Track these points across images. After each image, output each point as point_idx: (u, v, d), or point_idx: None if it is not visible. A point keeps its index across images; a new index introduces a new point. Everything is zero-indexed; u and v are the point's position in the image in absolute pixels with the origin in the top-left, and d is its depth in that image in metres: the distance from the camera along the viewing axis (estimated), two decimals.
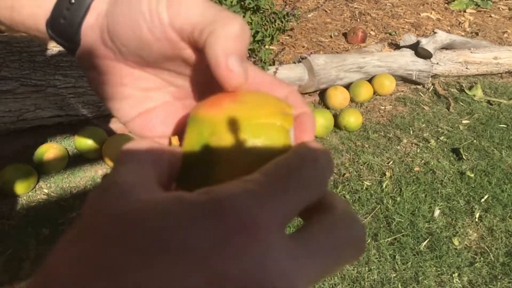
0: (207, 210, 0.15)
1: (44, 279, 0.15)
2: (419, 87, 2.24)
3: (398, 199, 1.51)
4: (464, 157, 1.73)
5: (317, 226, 0.18)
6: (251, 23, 2.04)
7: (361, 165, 1.67)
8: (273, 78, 0.24)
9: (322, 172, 0.19)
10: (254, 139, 0.20)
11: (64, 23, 0.25)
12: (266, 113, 0.21)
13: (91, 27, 0.25)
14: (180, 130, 0.25)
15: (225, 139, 0.20)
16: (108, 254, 0.14)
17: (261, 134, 0.21)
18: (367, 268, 1.26)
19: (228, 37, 0.20)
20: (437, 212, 1.46)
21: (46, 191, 1.43)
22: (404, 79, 2.23)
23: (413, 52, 2.19)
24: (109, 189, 0.17)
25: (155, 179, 0.19)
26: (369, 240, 1.35)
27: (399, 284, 1.23)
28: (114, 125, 1.67)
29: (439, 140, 1.85)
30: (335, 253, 0.18)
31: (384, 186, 1.56)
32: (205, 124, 0.21)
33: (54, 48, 1.53)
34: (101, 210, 0.16)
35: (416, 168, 1.67)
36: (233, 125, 0.20)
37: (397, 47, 2.38)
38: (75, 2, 0.25)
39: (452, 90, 2.24)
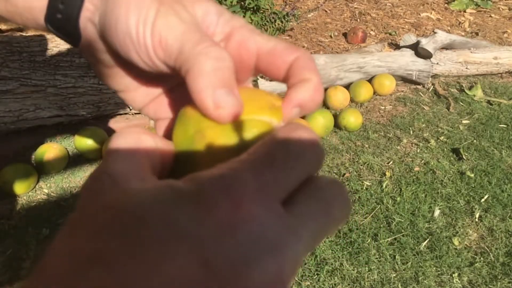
0: (192, 195, 0.15)
1: (40, 273, 0.15)
2: (419, 87, 2.24)
3: (398, 199, 1.51)
4: (464, 157, 1.73)
5: (304, 191, 0.18)
6: (251, 23, 2.04)
7: (361, 165, 1.67)
8: (278, 43, 0.23)
9: (311, 145, 0.18)
10: (238, 136, 0.20)
11: (61, 18, 0.25)
12: (251, 109, 0.21)
13: (89, 20, 0.24)
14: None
15: (208, 137, 0.20)
16: (99, 244, 0.14)
17: (245, 130, 0.20)
18: (367, 268, 1.26)
19: (206, 74, 0.20)
20: (437, 212, 1.46)
21: (46, 191, 1.43)
22: (404, 79, 2.23)
23: (413, 52, 2.19)
24: (100, 179, 0.17)
25: (148, 169, 0.19)
26: (369, 240, 1.35)
27: (399, 284, 1.23)
28: (114, 125, 1.67)
29: (439, 140, 1.85)
30: (326, 214, 0.18)
31: (384, 186, 1.56)
32: (190, 122, 0.21)
33: (54, 48, 1.53)
34: (93, 200, 0.16)
35: (416, 168, 1.67)
36: (217, 123, 0.20)
37: (397, 47, 2.38)
38: None
39: (452, 90, 2.24)
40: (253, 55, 0.23)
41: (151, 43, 0.21)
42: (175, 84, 0.27)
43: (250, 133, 0.20)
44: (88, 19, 0.24)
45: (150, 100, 0.27)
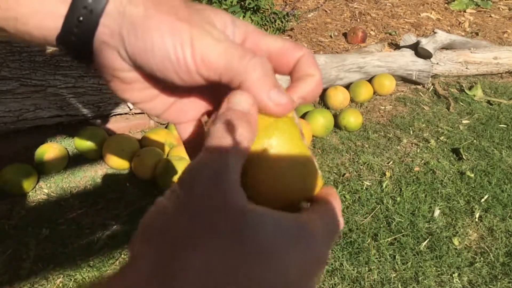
0: (301, 242, 0.21)
1: (143, 229, 0.20)
2: (419, 87, 2.24)
3: (398, 199, 1.51)
4: (464, 157, 1.73)
5: None
6: (251, 23, 2.04)
7: (361, 165, 1.67)
8: (286, 43, 0.26)
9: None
10: (269, 138, 0.24)
11: (76, 40, 0.26)
12: None
13: (104, 43, 0.25)
14: (207, 111, 0.30)
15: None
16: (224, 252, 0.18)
17: (273, 131, 0.24)
18: (367, 268, 1.26)
19: (258, 81, 0.23)
20: (437, 212, 1.46)
21: (46, 191, 1.43)
22: (404, 79, 2.23)
23: (413, 52, 2.19)
24: (222, 181, 0.20)
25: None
26: (369, 240, 1.35)
27: (399, 284, 1.23)
28: (114, 125, 1.67)
29: (439, 140, 1.85)
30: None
31: (384, 186, 1.56)
32: None
33: (54, 48, 1.52)
34: (213, 200, 0.20)
35: (416, 168, 1.67)
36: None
37: (397, 47, 2.38)
38: (83, 19, 0.25)
39: (452, 90, 2.24)
40: (266, 56, 0.26)
41: (192, 63, 0.24)
42: (189, 89, 0.29)
43: (278, 131, 0.24)
44: (102, 42, 0.25)
45: (168, 106, 0.29)
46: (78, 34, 0.25)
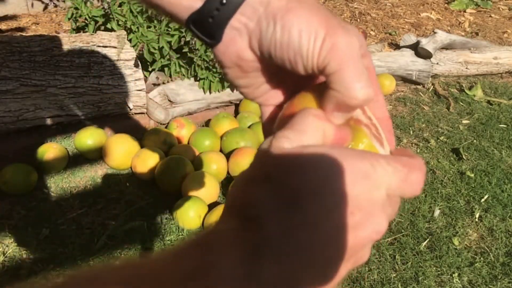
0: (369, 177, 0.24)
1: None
2: (419, 87, 2.24)
3: None
4: (464, 157, 1.73)
5: None
6: None
7: None
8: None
9: None
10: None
11: (211, 22, 0.27)
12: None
13: (237, 30, 0.27)
14: (286, 100, 0.32)
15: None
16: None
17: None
18: (367, 268, 1.26)
19: (357, 103, 0.26)
20: (437, 212, 1.46)
21: (46, 191, 1.43)
22: (404, 79, 2.23)
23: (413, 52, 2.19)
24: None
25: None
26: None
27: (399, 284, 1.23)
28: (114, 125, 1.67)
29: (439, 140, 1.85)
30: None
31: None
32: (305, 100, 0.29)
33: (54, 48, 1.53)
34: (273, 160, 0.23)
35: None
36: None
37: (397, 47, 2.38)
38: (226, 3, 0.26)
39: (452, 90, 2.24)
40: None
41: (316, 61, 0.25)
42: (279, 80, 0.32)
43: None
44: (234, 28, 0.27)
45: (265, 93, 0.32)
46: (216, 17, 0.26)
